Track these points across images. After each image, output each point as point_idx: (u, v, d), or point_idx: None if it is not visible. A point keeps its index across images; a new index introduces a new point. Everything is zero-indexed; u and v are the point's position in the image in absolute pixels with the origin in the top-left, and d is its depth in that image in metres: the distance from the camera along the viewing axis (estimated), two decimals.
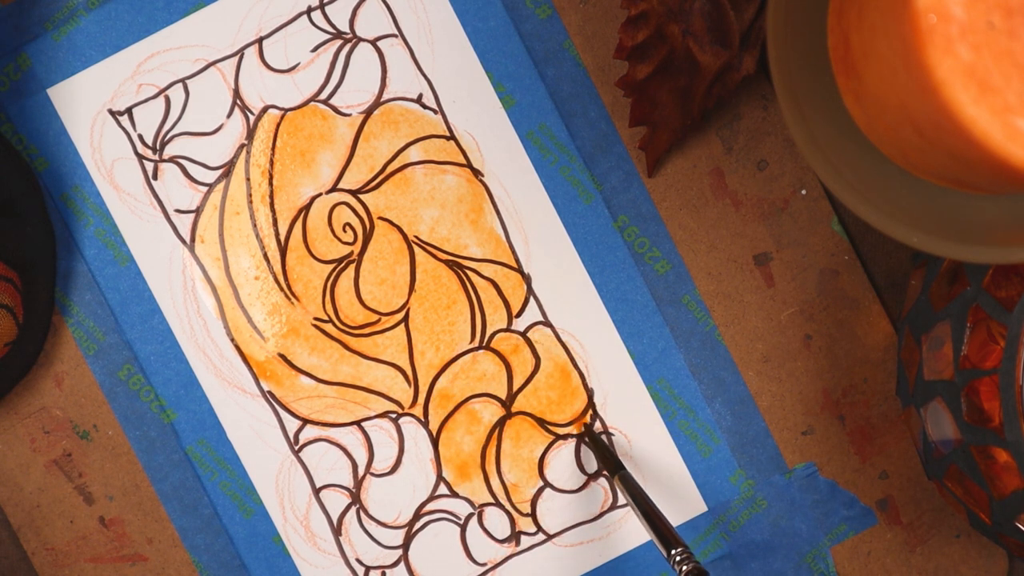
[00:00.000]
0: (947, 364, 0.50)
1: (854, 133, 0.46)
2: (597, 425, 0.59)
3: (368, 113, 0.58)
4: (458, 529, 0.59)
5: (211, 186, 0.58)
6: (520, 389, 0.59)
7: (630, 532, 0.59)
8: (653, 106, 0.57)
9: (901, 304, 0.59)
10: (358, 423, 0.59)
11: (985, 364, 0.49)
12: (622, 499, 0.59)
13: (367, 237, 0.58)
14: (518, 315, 0.59)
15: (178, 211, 0.58)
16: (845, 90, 0.45)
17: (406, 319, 0.59)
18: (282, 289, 0.59)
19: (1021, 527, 0.50)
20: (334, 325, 0.59)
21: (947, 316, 0.50)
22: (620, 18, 0.58)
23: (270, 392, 0.58)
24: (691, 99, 0.56)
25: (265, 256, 0.58)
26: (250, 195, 0.58)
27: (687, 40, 0.55)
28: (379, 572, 0.59)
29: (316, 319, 0.59)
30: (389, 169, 0.58)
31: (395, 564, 0.59)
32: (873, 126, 0.45)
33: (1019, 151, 0.39)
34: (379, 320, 0.59)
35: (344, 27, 0.58)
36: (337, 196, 0.58)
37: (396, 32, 0.58)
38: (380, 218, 0.58)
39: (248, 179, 0.58)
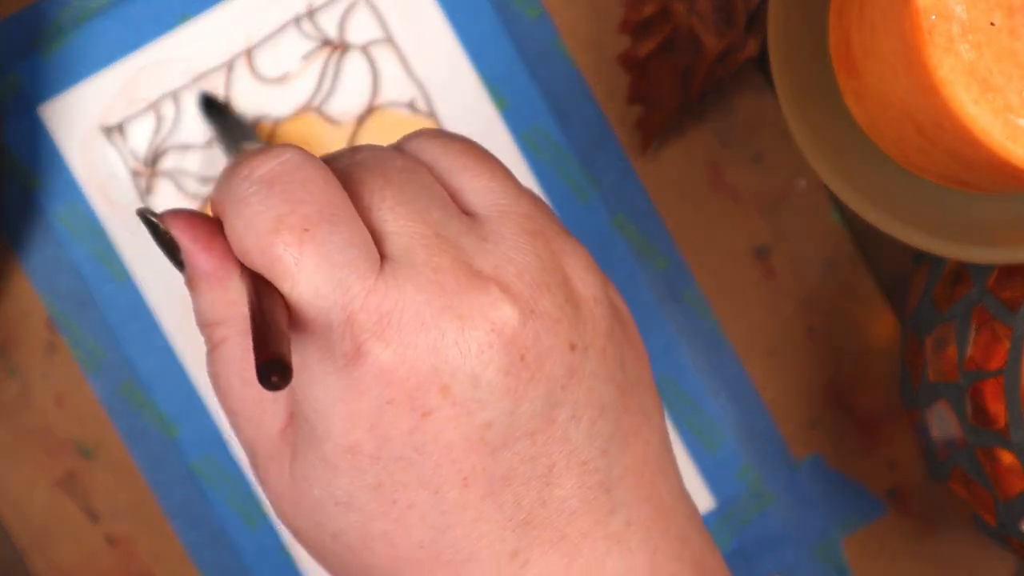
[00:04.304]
0: (951, 366, 0.50)
1: (855, 133, 0.46)
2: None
3: (361, 120, 0.58)
4: None
5: (206, 199, 0.58)
6: None
7: None
8: (651, 84, 0.56)
9: (904, 303, 0.59)
10: None
11: (990, 365, 0.49)
12: None
13: None
14: None
15: None
16: (846, 89, 0.45)
17: None
18: None
19: None
20: None
21: (951, 317, 0.50)
22: (611, 14, 0.58)
23: None
24: (691, 80, 0.56)
25: None
26: None
27: (692, 19, 0.55)
28: None
29: None
30: None
31: None
32: (874, 126, 0.45)
33: (1020, 150, 0.39)
34: None
35: (334, 34, 0.57)
36: None
37: (386, 37, 0.58)
38: None
39: None
